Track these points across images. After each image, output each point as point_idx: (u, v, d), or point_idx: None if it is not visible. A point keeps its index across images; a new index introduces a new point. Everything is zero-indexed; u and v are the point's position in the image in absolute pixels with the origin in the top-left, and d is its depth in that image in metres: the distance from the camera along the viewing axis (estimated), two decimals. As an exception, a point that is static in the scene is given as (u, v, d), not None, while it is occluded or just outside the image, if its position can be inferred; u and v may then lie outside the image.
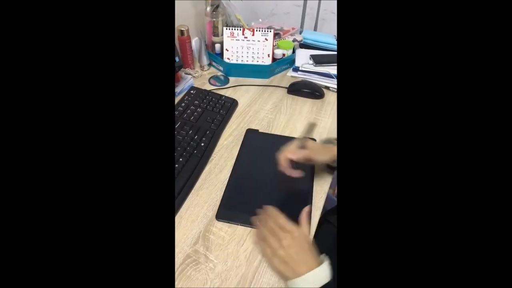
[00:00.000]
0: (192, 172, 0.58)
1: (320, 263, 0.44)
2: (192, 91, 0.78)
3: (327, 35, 1.03)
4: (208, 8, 0.87)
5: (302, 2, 1.36)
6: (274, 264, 0.44)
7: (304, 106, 0.79)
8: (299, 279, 0.41)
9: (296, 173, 0.52)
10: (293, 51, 0.96)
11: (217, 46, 0.92)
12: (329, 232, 0.60)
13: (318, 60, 0.89)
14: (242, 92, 0.84)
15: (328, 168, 0.61)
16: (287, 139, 0.67)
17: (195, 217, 0.52)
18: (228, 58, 0.89)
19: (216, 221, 0.52)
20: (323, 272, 0.42)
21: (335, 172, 0.61)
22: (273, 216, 0.49)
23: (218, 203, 0.54)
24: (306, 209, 0.50)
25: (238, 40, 0.86)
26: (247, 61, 0.89)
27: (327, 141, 0.59)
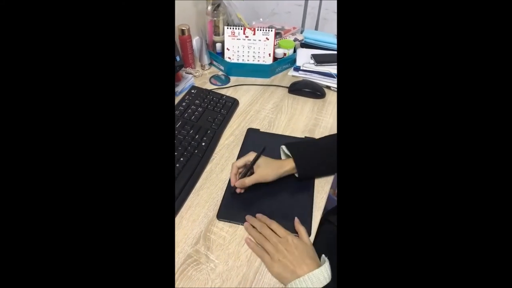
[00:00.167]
0: (193, 172, 0.58)
1: (320, 264, 0.44)
2: (193, 91, 0.78)
3: (328, 34, 1.03)
4: (209, 7, 0.86)
5: (303, 2, 1.36)
6: (273, 269, 0.44)
7: (305, 106, 0.79)
8: (299, 281, 0.41)
9: (238, 183, 0.53)
10: (294, 51, 0.95)
11: (218, 45, 0.91)
12: (330, 232, 0.60)
13: (319, 59, 0.89)
14: (243, 91, 0.84)
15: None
16: (288, 139, 0.67)
17: (196, 217, 0.52)
18: (229, 58, 0.89)
19: (217, 221, 0.52)
20: (324, 273, 0.42)
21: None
22: (267, 222, 0.49)
23: (219, 203, 0.54)
24: (296, 220, 0.51)
25: (239, 39, 0.86)
26: (248, 60, 0.89)
27: (289, 147, 0.58)
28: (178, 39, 0.84)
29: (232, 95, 0.80)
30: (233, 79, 0.88)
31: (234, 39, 0.86)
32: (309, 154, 0.57)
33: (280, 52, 0.91)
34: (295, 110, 0.77)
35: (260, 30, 0.85)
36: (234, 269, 0.45)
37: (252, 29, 0.85)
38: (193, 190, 0.56)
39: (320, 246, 0.48)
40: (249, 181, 0.53)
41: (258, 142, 0.65)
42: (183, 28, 0.83)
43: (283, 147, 0.58)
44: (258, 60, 0.88)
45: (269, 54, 0.87)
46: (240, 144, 0.66)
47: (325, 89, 0.84)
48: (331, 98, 0.83)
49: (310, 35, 1.03)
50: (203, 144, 0.64)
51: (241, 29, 0.85)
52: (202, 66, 0.92)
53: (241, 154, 0.64)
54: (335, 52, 0.94)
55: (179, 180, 0.56)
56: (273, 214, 0.51)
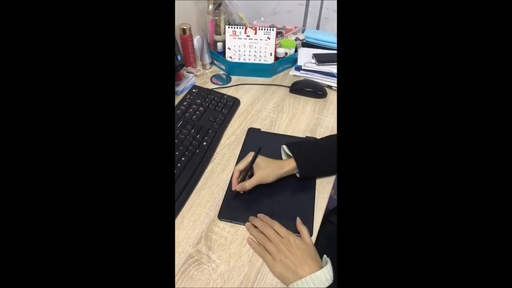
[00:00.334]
0: (194, 172, 0.58)
1: (322, 265, 0.44)
2: (194, 90, 0.78)
3: (330, 34, 1.03)
4: (210, 7, 0.86)
5: (304, 1, 1.36)
6: (275, 269, 0.44)
7: (307, 105, 0.79)
8: (301, 281, 0.41)
9: (239, 186, 0.53)
10: (296, 50, 0.95)
11: (219, 44, 0.91)
12: (331, 232, 0.60)
13: (320, 59, 0.88)
14: (244, 91, 0.83)
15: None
16: (289, 138, 0.67)
17: (198, 216, 0.52)
18: (230, 57, 0.88)
19: (219, 220, 0.52)
20: (326, 274, 0.42)
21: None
22: (269, 223, 0.49)
23: (220, 203, 0.54)
24: (298, 220, 0.51)
25: (240, 38, 0.86)
26: (249, 59, 0.88)
27: (290, 146, 0.58)
28: (179, 39, 0.84)
29: (233, 95, 0.80)
30: (234, 79, 0.88)
31: (235, 38, 0.86)
32: (310, 154, 0.57)
33: (281, 51, 0.91)
34: (296, 110, 0.77)
35: (262, 29, 0.85)
36: (236, 269, 0.45)
37: (254, 28, 0.85)
38: (195, 190, 0.56)
39: (321, 246, 0.48)
40: (249, 184, 0.53)
41: (259, 142, 0.65)
42: (184, 27, 0.82)
43: (284, 147, 0.58)
44: (260, 60, 0.88)
45: (271, 54, 0.87)
46: (241, 143, 0.66)
47: (327, 89, 0.83)
48: (333, 97, 0.82)
49: (311, 34, 1.03)
50: (204, 143, 0.64)
51: (243, 28, 0.85)
52: (203, 66, 0.92)
53: (242, 153, 0.63)
54: (337, 52, 0.94)
55: (180, 180, 0.56)
56: (275, 214, 0.51)
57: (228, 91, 0.82)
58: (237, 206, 0.54)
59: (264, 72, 0.89)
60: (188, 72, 0.87)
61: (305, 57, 0.92)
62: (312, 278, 0.41)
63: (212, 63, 0.93)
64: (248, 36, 0.86)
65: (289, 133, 0.70)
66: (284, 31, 1.02)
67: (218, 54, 0.91)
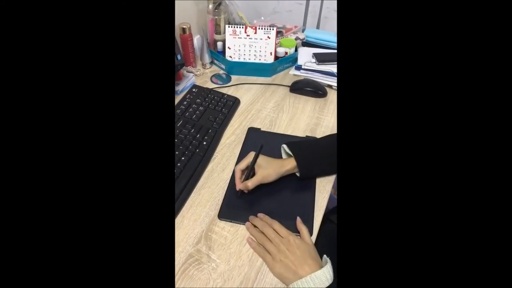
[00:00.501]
0: (194, 171, 0.58)
1: (322, 264, 0.44)
2: (194, 90, 0.78)
3: (330, 33, 1.03)
4: (210, 6, 0.86)
5: (304, 0, 1.36)
6: (275, 269, 0.44)
7: (307, 105, 0.79)
8: (301, 281, 0.41)
9: (242, 186, 0.53)
10: (296, 49, 0.95)
11: (219, 44, 0.91)
12: (331, 232, 0.60)
13: (320, 58, 0.88)
14: (244, 90, 0.83)
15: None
16: (289, 138, 0.67)
17: (197, 216, 0.52)
18: (230, 56, 0.88)
19: (219, 220, 0.52)
20: (326, 274, 0.41)
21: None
22: (268, 222, 0.49)
23: (220, 202, 0.54)
24: (298, 219, 0.51)
25: (240, 38, 0.86)
26: (249, 59, 0.88)
27: (290, 146, 0.58)
28: (179, 38, 0.84)
29: (233, 94, 0.80)
30: (234, 78, 0.88)
31: (235, 37, 0.86)
32: (310, 153, 0.57)
33: (281, 51, 0.91)
34: (296, 109, 0.77)
35: (262, 28, 0.85)
36: (236, 268, 0.45)
37: (254, 27, 0.85)
38: (195, 190, 0.56)
39: (321, 246, 0.48)
40: (251, 183, 0.53)
41: (259, 142, 0.64)
42: (184, 26, 0.82)
43: (284, 146, 0.58)
44: (260, 59, 0.88)
45: (271, 53, 0.87)
46: (241, 143, 0.66)
47: (327, 88, 0.83)
48: (333, 97, 0.82)
49: (311, 33, 1.03)
50: (204, 143, 0.64)
51: (243, 27, 0.85)
52: (203, 65, 0.92)
53: (242, 153, 0.63)
54: (337, 51, 0.94)
55: (180, 180, 0.56)
56: (275, 214, 0.51)
57: (228, 91, 0.82)
58: (237, 206, 0.54)
59: (264, 72, 0.89)
60: (188, 72, 0.87)
61: (305, 56, 0.92)
62: (312, 278, 0.41)
63: (212, 63, 0.93)
64: (248, 35, 0.85)
65: (289, 132, 0.70)
66: (284, 31, 1.02)
67: (218, 54, 0.91)
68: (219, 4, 0.87)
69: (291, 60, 0.93)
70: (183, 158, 0.59)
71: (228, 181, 0.58)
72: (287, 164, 0.55)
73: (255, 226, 0.50)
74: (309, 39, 1.02)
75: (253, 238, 0.49)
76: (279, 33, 0.99)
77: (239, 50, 0.87)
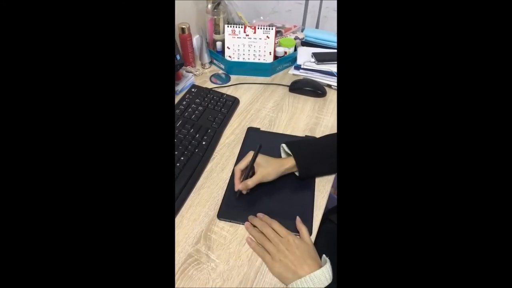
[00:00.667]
0: (194, 171, 0.58)
1: (321, 264, 0.44)
2: (193, 89, 0.78)
3: (329, 32, 1.02)
4: (209, 6, 0.86)
5: (303, 0, 1.36)
6: (274, 269, 0.44)
7: (306, 105, 0.79)
8: (300, 281, 0.41)
9: (241, 186, 0.53)
10: (295, 49, 0.95)
11: (219, 44, 0.91)
12: (330, 231, 0.60)
13: (320, 58, 0.88)
14: (243, 90, 0.83)
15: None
16: (288, 138, 0.67)
17: (197, 216, 0.52)
18: (230, 56, 0.88)
19: (218, 220, 0.52)
20: (325, 274, 0.42)
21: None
22: (268, 222, 0.49)
23: (219, 202, 0.54)
24: (297, 219, 0.51)
25: (240, 38, 0.86)
26: (249, 59, 0.88)
27: (290, 145, 0.58)
28: (178, 38, 0.84)
29: (232, 94, 0.80)
30: (234, 78, 0.88)
31: (234, 37, 0.86)
32: (309, 153, 0.57)
33: (280, 50, 0.91)
34: (295, 109, 0.77)
35: (261, 28, 0.85)
36: (235, 268, 0.45)
37: (253, 27, 0.85)
38: (194, 189, 0.56)
39: (321, 245, 0.48)
40: (251, 182, 0.53)
41: (259, 141, 0.64)
42: (183, 26, 0.82)
43: (284, 145, 0.58)
44: (259, 59, 0.88)
45: (270, 53, 0.87)
46: (241, 143, 0.66)
47: (326, 88, 0.83)
48: (332, 96, 0.82)
49: (310, 33, 1.03)
50: (204, 143, 0.64)
51: (242, 27, 0.85)
52: (203, 65, 0.91)
53: (241, 153, 0.63)
54: (336, 51, 0.94)
55: (179, 180, 0.56)
56: (274, 213, 0.51)
57: (227, 91, 0.82)
58: (236, 206, 0.53)
59: (263, 71, 0.89)
60: (187, 72, 0.87)
61: (305, 56, 0.92)
62: (311, 278, 0.41)
63: (211, 63, 0.93)
64: (247, 35, 0.85)
65: (288, 132, 0.70)
66: (283, 30, 1.02)
67: (217, 54, 0.91)
68: (218, 4, 0.87)
69: (290, 60, 0.93)
70: (182, 158, 0.59)
71: (227, 181, 0.58)
72: (287, 163, 0.55)
73: (254, 226, 0.50)
74: (308, 39, 1.02)
75: (253, 238, 0.49)
76: (278, 32, 0.99)
77: (238, 50, 0.87)
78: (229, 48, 0.87)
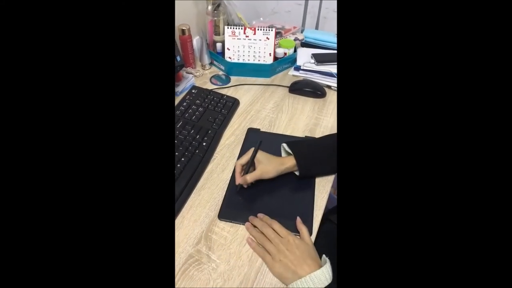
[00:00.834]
0: (194, 172, 0.58)
1: (321, 264, 0.44)
2: (193, 91, 0.78)
3: (329, 33, 1.03)
4: (210, 7, 0.86)
5: (303, 1, 1.36)
6: (274, 269, 0.44)
7: (306, 105, 0.79)
8: (300, 281, 0.41)
9: (241, 180, 0.54)
10: (295, 50, 0.95)
11: (219, 45, 0.91)
12: (331, 232, 0.60)
13: (319, 59, 0.88)
14: (243, 91, 0.84)
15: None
16: (288, 138, 0.67)
17: (197, 217, 0.52)
18: (230, 57, 0.88)
19: (219, 220, 0.52)
20: (325, 274, 0.42)
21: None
22: (268, 222, 0.49)
23: (220, 203, 0.54)
24: (298, 219, 0.51)
25: (240, 39, 0.86)
26: (249, 60, 0.89)
27: (290, 144, 0.58)
28: (178, 39, 0.84)
29: (232, 95, 0.80)
30: (234, 79, 0.88)
31: (234, 38, 0.86)
32: (310, 153, 0.57)
33: (280, 51, 0.91)
34: (295, 110, 0.77)
35: (261, 29, 0.85)
36: (236, 268, 0.46)
37: (253, 28, 0.85)
38: (194, 190, 0.56)
39: (321, 246, 0.48)
40: (250, 177, 0.53)
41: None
42: (183, 28, 0.83)
43: (284, 145, 0.59)
44: (259, 60, 0.88)
45: (270, 54, 0.87)
46: (241, 144, 0.66)
47: (326, 89, 0.83)
48: (332, 97, 0.83)
49: (310, 34, 1.03)
50: (204, 144, 0.64)
51: (242, 28, 0.85)
52: (203, 66, 0.92)
53: (241, 154, 0.63)
54: (336, 51, 0.94)
55: (180, 180, 0.56)
56: (274, 214, 0.52)
57: (228, 92, 0.82)
58: (237, 206, 0.54)
59: (263, 72, 0.89)
60: (188, 73, 0.87)
61: (304, 57, 0.92)
62: (311, 278, 0.41)
63: (211, 64, 0.93)
64: (247, 36, 0.86)
65: (288, 133, 0.70)
66: (283, 31, 1.02)
67: (217, 55, 0.91)
68: (218, 5, 0.87)
69: (290, 61, 0.93)
70: (183, 159, 0.59)
71: (227, 181, 0.58)
72: (287, 162, 0.55)
73: (254, 226, 0.50)
74: (308, 40, 1.02)
75: (253, 238, 0.49)
76: (278, 34, 0.99)
77: (238, 51, 0.88)
78: (229, 49, 0.88)
